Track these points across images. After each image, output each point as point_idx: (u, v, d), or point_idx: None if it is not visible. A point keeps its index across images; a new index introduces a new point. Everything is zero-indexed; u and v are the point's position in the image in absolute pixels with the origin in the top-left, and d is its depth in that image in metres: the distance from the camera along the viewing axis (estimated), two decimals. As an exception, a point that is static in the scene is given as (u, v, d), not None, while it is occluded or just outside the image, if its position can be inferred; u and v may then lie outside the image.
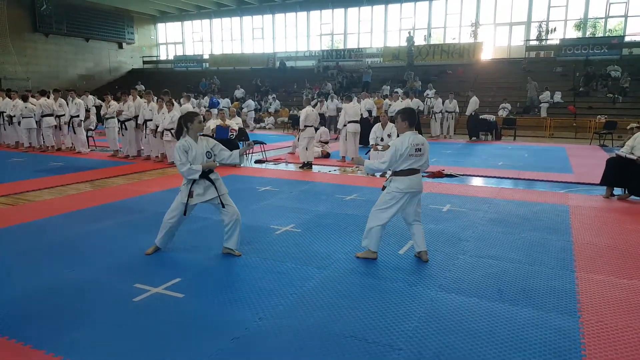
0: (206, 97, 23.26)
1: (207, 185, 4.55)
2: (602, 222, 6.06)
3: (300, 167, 10.46)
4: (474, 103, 16.16)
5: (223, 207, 4.60)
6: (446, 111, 16.91)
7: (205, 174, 4.51)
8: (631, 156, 7.15)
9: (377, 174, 8.97)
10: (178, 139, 4.54)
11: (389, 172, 4.62)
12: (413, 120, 4.53)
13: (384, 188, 4.65)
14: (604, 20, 24.39)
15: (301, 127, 10.45)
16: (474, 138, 16.36)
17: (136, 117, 11.37)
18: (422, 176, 9.23)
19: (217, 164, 4.65)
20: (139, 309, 3.57)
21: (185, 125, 4.52)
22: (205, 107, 20.54)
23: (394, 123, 9.52)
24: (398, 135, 4.69)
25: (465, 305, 3.64)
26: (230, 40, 33.64)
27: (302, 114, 10.50)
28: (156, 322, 3.38)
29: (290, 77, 27.77)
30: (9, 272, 4.31)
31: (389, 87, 21.87)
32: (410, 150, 4.37)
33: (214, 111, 16.48)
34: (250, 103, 22.88)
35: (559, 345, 3.07)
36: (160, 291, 3.87)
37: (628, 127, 13.35)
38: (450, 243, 5.18)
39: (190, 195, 4.51)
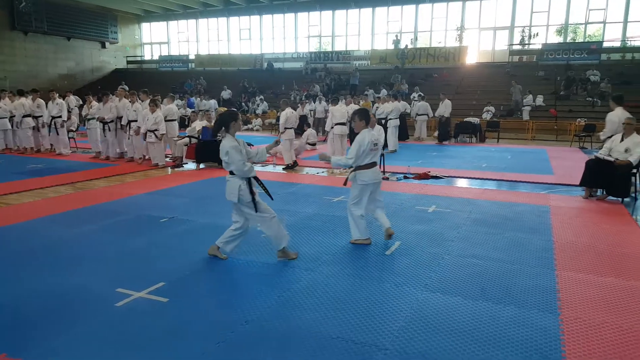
0: (198, 97, 23.22)
1: (254, 182, 4.58)
2: (581, 222, 6.18)
3: (284, 168, 10.47)
4: (449, 106, 16.17)
5: (272, 199, 4.75)
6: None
7: None
8: (609, 158, 7.31)
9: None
10: (215, 136, 4.47)
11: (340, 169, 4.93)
12: (368, 119, 5.13)
13: (345, 183, 5.26)
14: (584, 26, 24.87)
15: (281, 129, 10.49)
16: (454, 140, 16.51)
17: (119, 118, 11.24)
18: (409, 178, 9.37)
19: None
20: (122, 314, 3.52)
21: (227, 124, 4.48)
22: (190, 108, 20.49)
23: (381, 125, 9.68)
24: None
25: (450, 305, 3.69)
26: (216, 40, 33.46)
27: (282, 116, 10.55)
28: (139, 327, 3.34)
29: (278, 79, 27.72)
30: (-13, 277, 4.23)
31: (372, 91, 21.97)
32: (370, 145, 4.94)
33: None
34: (211, 103, 22.58)
35: (540, 342, 3.14)
36: (144, 295, 3.82)
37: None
38: (436, 243, 5.24)
39: (253, 193, 4.49)
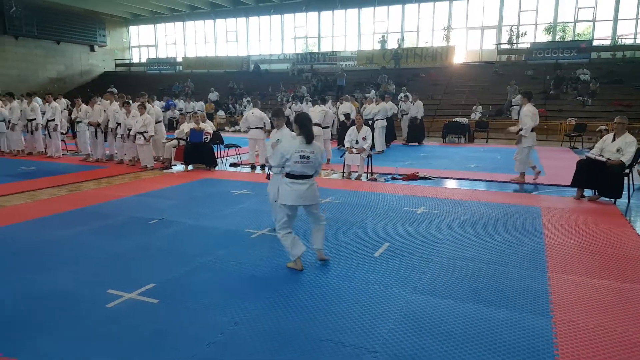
0: (180, 100, 23.07)
1: None
2: (573, 223, 6.17)
3: (261, 167, 10.55)
4: (421, 107, 16.21)
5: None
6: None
7: None
8: (600, 158, 7.29)
9: (354, 176, 9.10)
10: (312, 139, 4.39)
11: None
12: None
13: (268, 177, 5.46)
14: (573, 24, 25.02)
15: (242, 129, 10.71)
16: (443, 140, 16.60)
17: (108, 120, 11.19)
18: (397, 179, 9.36)
19: None
20: (113, 315, 3.51)
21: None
22: (179, 110, 20.38)
23: (368, 126, 9.67)
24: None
25: (441, 307, 3.66)
26: (204, 43, 33.41)
27: (254, 117, 10.55)
28: (130, 328, 3.32)
29: (265, 80, 27.70)
30: (-26, 281, 4.18)
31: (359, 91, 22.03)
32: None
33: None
34: (198, 105, 22.33)
35: (532, 345, 3.11)
36: (134, 297, 3.80)
37: (597, 130, 13.68)
38: (425, 245, 5.20)
39: None
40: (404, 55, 25.71)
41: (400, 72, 24.79)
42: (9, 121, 12.60)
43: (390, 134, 15.13)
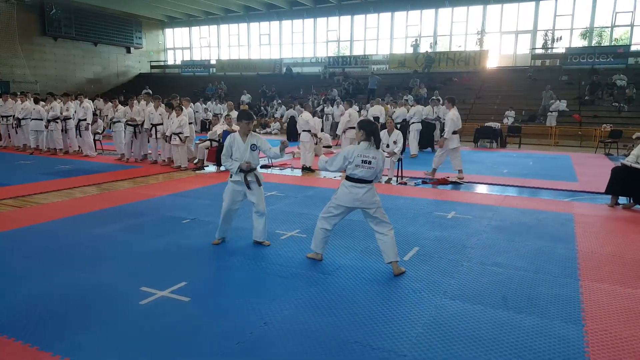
0: (212, 102, 23.43)
1: None
2: (606, 231, 6.05)
3: (303, 169, 10.79)
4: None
5: None
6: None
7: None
8: (637, 165, 7.14)
9: (383, 180, 9.11)
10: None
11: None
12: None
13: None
14: (610, 29, 24.37)
15: (299, 130, 10.93)
16: (475, 145, 16.39)
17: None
18: (428, 183, 9.30)
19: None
20: (146, 312, 3.60)
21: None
22: (212, 112, 20.71)
23: (398, 129, 9.67)
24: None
25: (470, 313, 3.65)
26: (237, 45, 33.87)
27: (301, 120, 10.86)
28: (162, 325, 3.40)
29: (297, 83, 27.92)
30: (16, 275, 4.35)
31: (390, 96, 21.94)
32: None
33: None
34: (194, 108, 22.52)
35: (563, 353, 3.07)
36: (167, 295, 3.89)
37: (634, 136, 13.29)
38: (455, 250, 5.19)
39: None
40: (436, 59, 25.51)
41: (433, 76, 24.61)
42: (49, 120, 13.04)
43: (424, 141, 14.99)
